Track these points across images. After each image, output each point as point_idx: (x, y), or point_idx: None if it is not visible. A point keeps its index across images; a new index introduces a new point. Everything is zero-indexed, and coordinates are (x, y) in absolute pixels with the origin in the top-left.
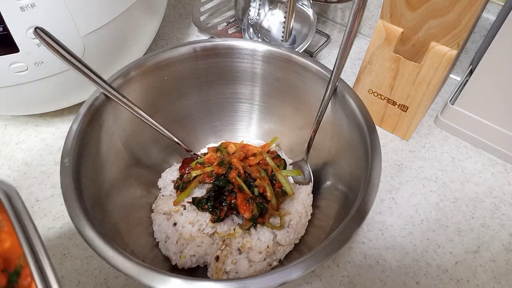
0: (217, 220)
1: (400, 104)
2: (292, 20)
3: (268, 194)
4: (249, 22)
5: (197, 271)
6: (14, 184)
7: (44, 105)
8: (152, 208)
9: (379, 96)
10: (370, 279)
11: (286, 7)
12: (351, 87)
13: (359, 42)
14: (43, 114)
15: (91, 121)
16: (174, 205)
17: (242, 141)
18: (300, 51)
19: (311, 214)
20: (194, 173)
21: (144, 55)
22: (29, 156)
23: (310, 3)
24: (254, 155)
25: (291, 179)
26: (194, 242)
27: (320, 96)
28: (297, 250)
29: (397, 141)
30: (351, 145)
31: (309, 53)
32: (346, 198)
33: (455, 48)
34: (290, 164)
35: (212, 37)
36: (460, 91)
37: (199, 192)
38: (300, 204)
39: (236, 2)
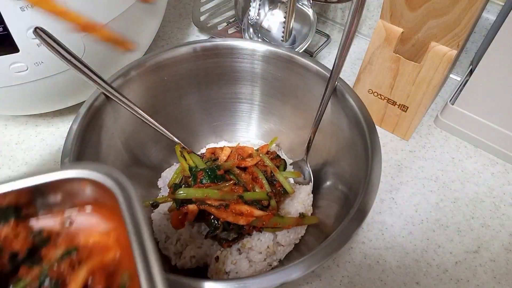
0: (213, 236)
1: (400, 104)
2: (292, 20)
3: (264, 202)
4: (249, 22)
5: (196, 271)
6: None
7: (44, 105)
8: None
9: (379, 96)
10: (370, 279)
11: (286, 7)
12: (351, 87)
13: (359, 42)
14: (43, 114)
15: (91, 121)
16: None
17: (239, 144)
18: (300, 51)
19: (311, 214)
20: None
21: (144, 55)
22: (29, 156)
23: (310, 3)
24: (250, 155)
25: (291, 180)
26: (194, 243)
27: (320, 96)
28: (297, 250)
29: (397, 141)
30: (351, 145)
31: (309, 53)
32: (346, 198)
33: (455, 48)
34: (290, 164)
35: (212, 37)
36: (460, 91)
37: None
38: (300, 204)
39: (236, 2)
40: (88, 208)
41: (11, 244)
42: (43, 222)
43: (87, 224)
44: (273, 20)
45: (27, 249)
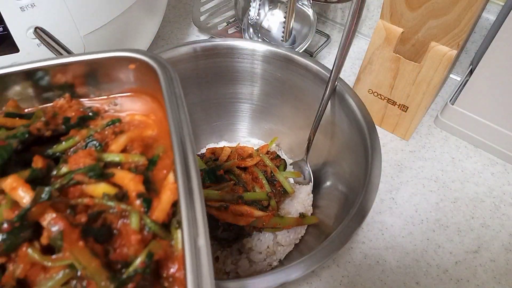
0: (213, 236)
1: (400, 104)
2: (292, 20)
3: (264, 202)
4: (249, 22)
5: None
6: None
7: None
8: None
9: (379, 96)
10: (370, 279)
11: (286, 7)
12: (351, 87)
13: (359, 42)
14: None
15: None
16: None
17: (239, 144)
18: (300, 51)
19: (311, 214)
20: None
21: None
22: None
23: (310, 3)
24: (250, 156)
25: (291, 180)
26: None
27: (320, 96)
28: (297, 250)
29: (397, 141)
30: (351, 145)
31: (309, 53)
32: (346, 198)
33: (455, 48)
34: (290, 164)
35: (212, 37)
36: (460, 91)
37: None
38: (300, 204)
39: (236, 2)
40: (132, 92)
41: (65, 112)
42: (93, 102)
43: (130, 106)
44: (273, 20)
45: (78, 117)
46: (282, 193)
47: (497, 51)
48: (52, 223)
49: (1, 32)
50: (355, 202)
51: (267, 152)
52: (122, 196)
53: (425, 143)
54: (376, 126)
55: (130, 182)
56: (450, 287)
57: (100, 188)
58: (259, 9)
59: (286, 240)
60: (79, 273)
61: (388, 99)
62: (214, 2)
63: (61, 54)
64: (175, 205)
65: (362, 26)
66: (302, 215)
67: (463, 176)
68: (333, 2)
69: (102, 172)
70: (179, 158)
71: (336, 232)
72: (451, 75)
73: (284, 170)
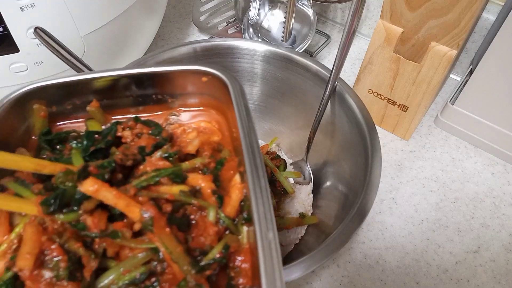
0: None
1: (400, 104)
2: (292, 20)
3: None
4: (249, 22)
5: None
6: None
7: None
8: None
9: (379, 96)
10: (370, 279)
11: (286, 7)
12: (351, 87)
13: (359, 42)
14: None
15: None
16: None
17: None
18: (300, 51)
19: (311, 214)
20: None
21: (144, 55)
22: None
23: (310, 3)
24: None
25: (291, 179)
26: None
27: (320, 96)
28: (297, 250)
29: (397, 141)
30: (351, 145)
31: (309, 53)
32: (346, 198)
33: (455, 48)
34: (290, 164)
35: (212, 37)
36: (460, 91)
37: None
38: (300, 204)
39: (236, 2)
40: (199, 103)
41: (139, 141)
42: (153, 117)
43: (193, 115)
44: (273, 20)
45: (153, 146)
46: (282, 193)
47: (497, 51)
48: (145, 210)
49: (1, 32)
50: (355, 202)
51: (267, 152)
52: (195, 192)
53: (425, 143)
54: (376, 126)
55: (203, 181)
56: (450, 287)
57: (176, 187)
58: (259, 9)
59: (286, 240)
60: (160, 256)
61: (388, 99)
62: (214, 2)
63: (61, 54)
64: (241, 203)
65: (362, 26)
66: (302, 215)
67: (463, 176)
68: (333, 2)
69: (182, 175)
70: (249, 160)
71: (336, 232)
72: (451, 75)
73: (284, 170)
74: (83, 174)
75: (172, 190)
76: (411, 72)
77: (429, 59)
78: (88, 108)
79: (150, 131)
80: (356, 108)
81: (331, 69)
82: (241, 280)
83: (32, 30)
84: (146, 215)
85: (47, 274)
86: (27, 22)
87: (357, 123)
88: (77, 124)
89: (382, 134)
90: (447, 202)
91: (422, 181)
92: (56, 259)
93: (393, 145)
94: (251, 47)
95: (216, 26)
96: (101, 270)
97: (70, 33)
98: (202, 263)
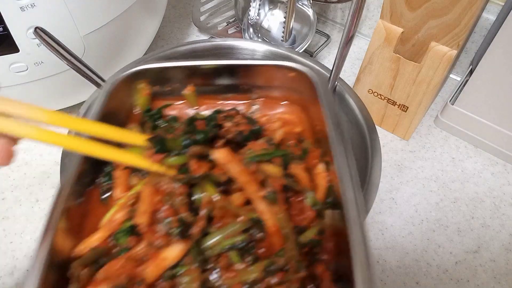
0: None
1: (400, 104)
2: (292, 20)
3: None
4: (249, 22)
5: None
6: (14, 184)
7: (44, 105)
8: None
9: (379, 96)
10: None
11: (286, 7)
12: (351, 87)
13: (359, 42)
14: None
15: None
16: None
17: None
18: (300, 51)
19: None
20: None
21: (144, 55)
22: (29, 156)
23: (310, 3)
24: None
25: None
26: None
27: None
28: None
29: (397, 141)
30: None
31: (309, 53)
32: None
33: (455, 48)
34: None
35: (212, 37)
36: (460, 91)
37: None
38: None
39: (236, 2)
40: (283, 97)
41: (238, 126)
42: (238, 105)
43: (280, 106)
44: (273, 20)
45: (250, 131)
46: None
47: (497, 51)
48: (270, 184)
49: (1, 32)
50: None
51: None
52: (290, 176)
53: (425, 143)
54: (376, 126)
55: (298, 168)
56: (450, 287)
57: (276, 169)
58: (259, 9)
59: None
60: (258, 229)
61: (388, 99)
62: (214, 2)
63: (61, 54)
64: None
65: (362, 26)
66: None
67: (463, 176)
68: (333, 2)
69: (290, 158)
70: (339, 151)
71: None
72: (451, 75)
73: None
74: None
75: (276, 172)
76: (411, 72)
77: (429, 59)
78: (184, 91)
79: (246, 121)
80: (356, 108)
81: (331, 69)
82: (325, 256)
83: (32, 30)
84: (269, 190)
85: (161, 229)
86: (27, 22)
87: (357, 123)
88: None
89: (382, 134)
90: (447, 202)
91: (422, 181)
92: (167, 220)
93: (393, 145)
94: (251, 47)
95: (216, 26)
96: (205, 235)
97: (70, 33)
98: (301, 240)
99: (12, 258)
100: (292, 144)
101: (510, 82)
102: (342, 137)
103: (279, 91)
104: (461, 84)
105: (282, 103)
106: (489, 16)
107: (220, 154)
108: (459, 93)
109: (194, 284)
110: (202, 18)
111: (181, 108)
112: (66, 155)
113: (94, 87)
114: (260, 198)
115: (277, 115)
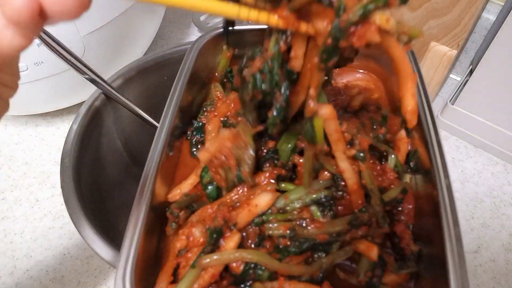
0: None
1: None
2: None
3: None
4: (249, 22)
5: None
6: (14, 184)
7: (44, 105)
8: None
9: None
10: None
11: None
12: None
13: None
14: (43, 114)
15: (91, 121)
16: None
17: None
18: None
19: None
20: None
21: (144, 55)
22: (29, 156)
23: None
24: None
25: None
26: None
27: None
28: None
29: None
30: None
31: None
32: None
33: (455, 48)
34: None
35: None
36: (460, 91)
37: None
38: None
39: None
40: (361, 65)
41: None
42: None
43: (358, 76)
44: None
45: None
46: None
47: (497, 51)
48: (358, 146)
49: None
50: None
51: None
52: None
53: None
54: None
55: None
56: None
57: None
58: None
59: None
60: (341, 183)
61: None
62: None
63: (61, 54)
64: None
65: None
66: None
67: (463, 176)
68: None
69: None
70: (425, 118)
71: None
72: (451, 75)
73: None
74: None
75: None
76: None
77: (429, 59)
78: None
79: None
80: None
81: None
82: (402, 218)
83: None
84: (358, 149)
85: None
86: None
87: None
88: None
89: None
90: None
91: None
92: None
93: None
94: None
95: (216, 26)
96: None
97: (70, 33)
98: (384, 198)
99: (12, 258)
100: (372, 110)
101: (510, 82)
102: (430, 106)
103: (359, 60)
104: (461, 84)
105: (360, 70)
106: (489, 16)
107: (327, 110)
108: (459, 93)
109: (281, 229)
110: (202, 18)
111: None
112: (66, 155)
113: (94, 87)
114: (345, 158)
115: (356, 82)
